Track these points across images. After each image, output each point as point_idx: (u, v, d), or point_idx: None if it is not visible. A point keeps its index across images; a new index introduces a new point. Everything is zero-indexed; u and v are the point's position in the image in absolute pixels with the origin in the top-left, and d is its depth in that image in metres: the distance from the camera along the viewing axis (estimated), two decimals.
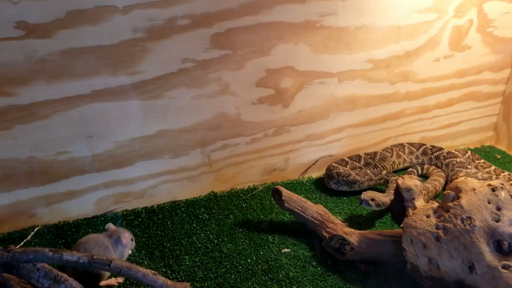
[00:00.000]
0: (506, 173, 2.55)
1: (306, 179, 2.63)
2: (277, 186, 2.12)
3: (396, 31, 2.47)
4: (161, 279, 1.49)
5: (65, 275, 1.42)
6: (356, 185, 2.43)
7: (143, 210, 2.25)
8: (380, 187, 2.47)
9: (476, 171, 2.61)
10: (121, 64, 1.97)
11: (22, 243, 1.99)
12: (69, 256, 1.38)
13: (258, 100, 2.34)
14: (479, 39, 2.73)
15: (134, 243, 1.87)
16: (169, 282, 1.52)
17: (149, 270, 1.49)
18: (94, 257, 1.41)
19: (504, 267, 1.49)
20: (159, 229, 2.12)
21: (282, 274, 1.85)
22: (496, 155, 2.97)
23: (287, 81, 2.35)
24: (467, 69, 2.80)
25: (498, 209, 1.59)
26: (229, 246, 2.01)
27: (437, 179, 2.47)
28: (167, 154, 2.24)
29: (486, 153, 3.00)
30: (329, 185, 2.48)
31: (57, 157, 2.03)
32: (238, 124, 2.34)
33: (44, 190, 2.07)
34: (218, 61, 2.15)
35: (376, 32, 2.42)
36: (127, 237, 1.81)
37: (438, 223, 1.64)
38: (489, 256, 1.52)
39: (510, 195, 1.63)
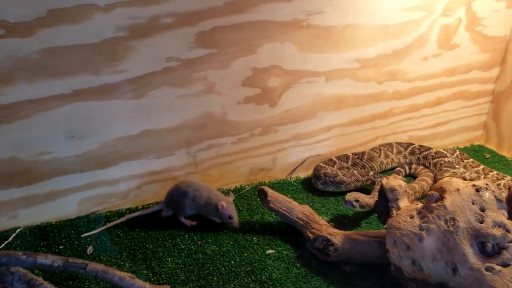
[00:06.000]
0: (495, 172, 2.54)
1: (293, 179, 2.61)
2: (262, 187, 2.10)
3: (383, 30, 2.45)
4: (138, 282, 1.47)
5: (40, 279, 1.39)
6: (343, 186, 2.42)
7: (127, 211, 2.23)
8: (367, 188, 2.45)
9: (465, 170, 2.60)
10: (104, 63, 1.95)
11: (3, 244, 1.97)
12: (43, 259, 1.35)
13: (244, 100, 2.32)
14: (468, 37, 2.72)
15: None
16: (147, 285, 1.49)
17: (126, 274, 1.46)
18: (69, 260, 1.39)
19: (487, 269, 1.47)
20: (143, 230, 2.09)
21: (266, 275, 1.83)
22: (486, 154, 2.96)
23: (274, 80, 2.34)
24: (456, 68, 2.79)
25: (482, 210, 1.57)
26: (213, 247, 1.99)
27: (425, 179, 2.46)
28: (152, 154, 2.22)
29: (476, 152, 2.99)
30: (316, 186, 2.47)
31: (39, 157, 2.01)
32: (224, 123, 2.32)
33: (26, 191, 2.04)
34: (203, 60, 2.13)
35: (364, 31, 2.41)
36: None
37: (422, 224, 1.62)
38: (473, 258, 1.50)
39: (494, 195, 1.62)
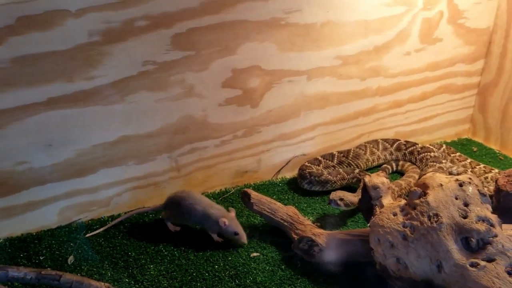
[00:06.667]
0: (482, 165, 2.52)
1: (279, 179, 2.58)
2: (245, 189, 2.08)
3: (364, 25, 2.42)
4: None
5: None
6: (329, 185, 2.39)
7: (109, 219, 2.18)
8: (353, 186, 2.42)
9: (452, 165, 2.57)
10: (78, 69, 1.91)
11: None
12: (15, 272, 1.32)
13: (226, 101, 2.28)
14: (450, 31, 2.70)
15: None
16: None
17: (103, 283, 1.43)
18: (42, 272, 1.35)
19: (472, 265, 1.44)
20: (125, 238, 2.05)
21: (250, 279, 1.80)
22: (473, 147, 2.94)
23: (254, 80, 2.30)
24: (440, 62, 2.76)
25: (466, 205, 1.55)
26: (197, 253, 1.96)
27: (412, 176, 2.43)
28: (132, 160, 2.18)
29: (463, 146, 2.97)
30: (302, 185, 2.43)
31: (16, 167, 1.96)
32: (206, 126, 2.29)
33: (3, 203, 2.00)
34: (180, 63, 2.09)
35: (344, 28, 2.38)
36: None
37: (405, 221, 1.59)
38: (457, 254, 1.47)
39: (478, 190, 1.59)
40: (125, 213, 2.19)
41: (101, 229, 2.09)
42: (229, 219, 1.96)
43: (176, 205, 2.04)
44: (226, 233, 1.98)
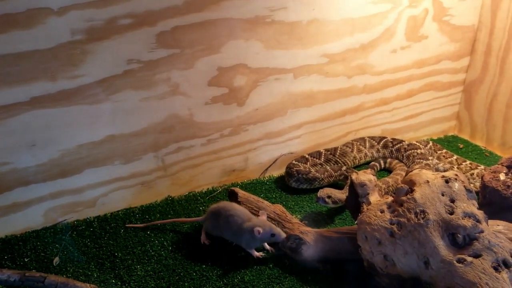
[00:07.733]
0: (468, 162, 2.53)
1: (266, 178, 2.57)
2: (233, 188, 2.08)
3: (350, 23, 2.42)
4: None
5: None
6: (316, 182, 2.38)
7: (95, 219, 2.17)
8: (341, 183, 2.43)
9: (438, 161, 2.58)
10: (61, 68, 1.88)
11: None
12: None
13: (212, 100, 2.27)
14: (436, 28, 2.70)
15: None
16: None
17: (88, 285, 1.42)
18: (26, 274, 1.33)
19: (459, 261, 1.44)
20: (111, 238, 2.03)
21: (238, 278, 1.79)
22: (459, 144, 2.95)
23: (240, 78, 2.29)
24: (426, 59, 2.77)
25: (452, 201, 1.55)
26: (184, 252, 1.94)
27: (399, 173, 2.43)
28: (118, 160, 2.15)
29: (449, 143, 2.98)
30: (289, 184, 2.43)
31: None
32: (192, 125, 2.27)
33: None
34: (165, 61, 2.07)
35: (329, 26, 2.37)
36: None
37: (392, 218, 1.59)
38: (444, 250, 1.48)
39: (464, 186, 1.60)
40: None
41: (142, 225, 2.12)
42: (261, 225, 1.84)
43: (214, 216, 1.96)
44: (263, 239, 1.86)
